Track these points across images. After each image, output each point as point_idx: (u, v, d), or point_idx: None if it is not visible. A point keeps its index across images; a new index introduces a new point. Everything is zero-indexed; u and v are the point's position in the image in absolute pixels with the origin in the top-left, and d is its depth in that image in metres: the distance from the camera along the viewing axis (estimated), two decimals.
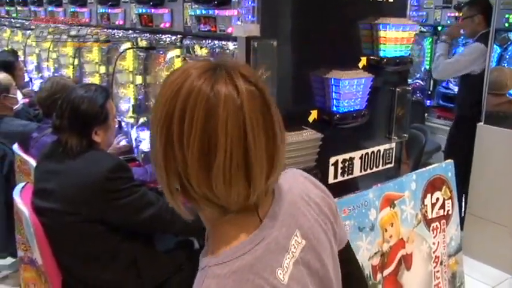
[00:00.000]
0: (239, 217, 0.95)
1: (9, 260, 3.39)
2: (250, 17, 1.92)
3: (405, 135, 2.59)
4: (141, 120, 3.47)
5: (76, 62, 4.46)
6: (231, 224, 0.96)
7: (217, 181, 0.87)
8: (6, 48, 5.78)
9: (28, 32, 5.53)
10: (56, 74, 4.63)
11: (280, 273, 0.94)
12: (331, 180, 2.35)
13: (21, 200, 2.16)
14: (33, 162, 2.61)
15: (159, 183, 0.96)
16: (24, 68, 5.56)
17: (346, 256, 1.18)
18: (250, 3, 1.91)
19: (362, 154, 2.45)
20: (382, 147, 2.53)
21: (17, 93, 3.58)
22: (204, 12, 2.45)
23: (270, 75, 2.02)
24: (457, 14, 4.59)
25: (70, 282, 2.15)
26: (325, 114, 2.23)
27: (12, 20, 6.50)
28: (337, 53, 2.25)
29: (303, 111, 2.21)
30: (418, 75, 5.06)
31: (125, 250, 2.13)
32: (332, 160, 2.34)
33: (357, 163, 2.43)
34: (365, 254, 1.98)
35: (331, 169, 2.35)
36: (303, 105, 2.21)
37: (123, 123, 3.55)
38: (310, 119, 2.22)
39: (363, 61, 2.33)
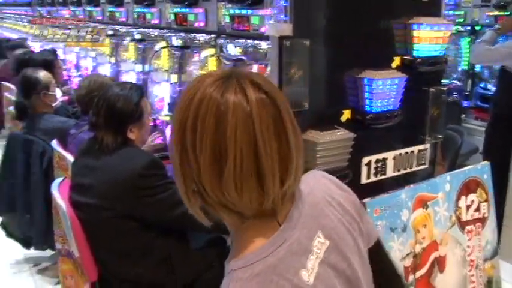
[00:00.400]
0: (258, 222, 0.97)
1: (48, 252, 3.50)
2: (282, 16, 1.93)
3: (440, 136, 2.55)
4: None
5: (113, 60, 4.55)
6: (251, 229, 0.98)
7: (228, 187, 0.90)
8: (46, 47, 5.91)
9: (67, 31, 5.65)
10: (93, 72, 4.73)
11: (305, 274, 0.95)
12: (363, 180, 2.34)
13: (59, 195, 2.22)
14: (70, 158, 2.68)
15: (178, 188, 0.99)
16: (64, 67, 5.71)
17: (377, 253, 1.17)
18: (282, 2, 1.91)
19: (395, 155, 2.43)
20: (416, 148, 2.50)
21: (56, 90, 3.67)
22: (237, 11, 2.47)
23: (302, 75, 2.02)
24: (496, 13, 4.48)
25: (105, 276, 2.20)
26: (358, 114, 2.22)
27: (66, 21, 6.64)
28: (371, 52, 2.23)
29: (336, 110, 2.20)
30: (455, 76, 4.97)
31: (159, 247, 2.17)
32: (365, 160, 2.32)
33: (390, 164, 2.41)
34: (397, 254, 1.97)
35: (364, 169, 2.34)
36: (335, 104, 2.20)
37: (158, 122, 3.61)
38: (343, 118, 2.21)
39: (397, 61, 2.31)
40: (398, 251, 1.97)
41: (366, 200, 1.90)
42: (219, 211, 0.96)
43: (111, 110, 2.17)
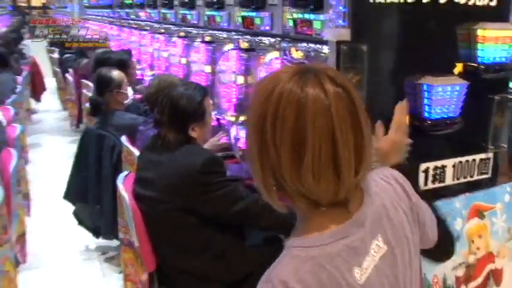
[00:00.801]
0: (330, 211, 1.00)
1: (115, 242, 3.65)
2: (341, 21, 1.95)
3: (504, 145, 2.48)
4: (241, 118, 3.60)
5: (184, 61, 4.71)
6: (322, 215, 1.00)
7: (307, 176, 0.93)
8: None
9: (143, 32, 5.88)
10: (165, 72, 4.90)
11: (358, 273, 0.98)
12: (421, 186, 2.32)
13: (123, 187, 2.35)
14: (137, 153, 2.82)
15: (255, 180, 1.03)
16: (138, 66, 5.95)
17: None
18: (341, 8, 1.94)
19: (455, 162, 2.39)
20: (477, 157, 2.44)
21: (128, 89, 3.85)
22: (300, 15, 2.51)
23: (360, 80, 2.04)
24: None
25: (163, 268, 2.30)
26: (417, 120, 2.20)
27: (130, 21, 6.95)
28: (432, 58, 2.21)
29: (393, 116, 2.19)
30: None
31: (216, 242, 2.24)
32: (423, 167, 2.30)
33: (449, 171, 2.38)
34: (448, 263, 1.94)
35: (422, 176, 2.32)
36: (393, 110, 2.20)
37: (224, 121, 3.70)
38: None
39: (459, 67, 2.27)
40: (450, 260, 1.94)
41: None
42: (296, 200, 0.99)
43: (175, 108, 2.27)
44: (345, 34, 1.97)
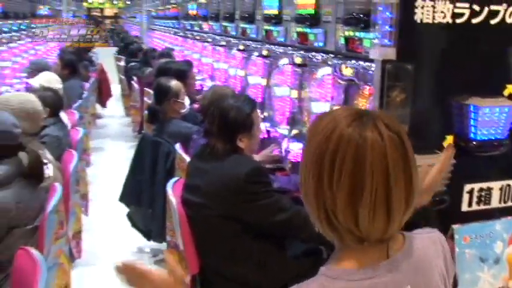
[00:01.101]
0: (371, 248, 1.05)
1: (165, 246, 3.78)
2: (387, 41, 2.00)
3: None
4: (293, 132, 3.67)
5: (242, 73, 4.83)
6: (361, 251, 1.05)
7: (363, 217, 0.99)
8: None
9: (205, 43, 6.02)
10: (222, 84, 5.04)
11: None
12: (464, 207, 2.30)
13: (172, 192, 2.47)
14: (188, 159, 2.94)
15: (308, 211, 1.09)
16: (199, 77, 6.13)
17: None
18: (387, 28, 1.98)
19: (503, 185, 2.36)
20: None
21: (185, 99, 4.00)
22: (351, 33, 2.57)
23: (404, 98, 2.07)
24: None
25: (206, 272, 2.39)
26: (462, 141, 2.20)
27: (194, 32, 7.13)
28: (480, 79, 2.21)
29: (438, 135, 2.20)
30: None
31: (258, 251, 2.31)
32: (467, 188, 2.29)
33: (495, 194, 2.35)
34: (485, 286, 1.93)
35: (466, 197, 2.30)
36: (438, 129, 2.21)
37: (276, 134, 3.77)
38: (445, 144, 2.21)
39: (509, 89, 2.26)
40: (487, 283, 1.93)
41: (455, 226, 1.90)
42: (344, 235, 1.04)
43: (224, 119, 2.36)
44: (391, 53, 2.01)
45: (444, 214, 2.14)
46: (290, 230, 2.30)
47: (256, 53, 4.38)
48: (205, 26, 7.02)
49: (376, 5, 2.04)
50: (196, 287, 2.41)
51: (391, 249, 1.06)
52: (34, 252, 1.83)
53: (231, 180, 2.22)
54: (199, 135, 3.26)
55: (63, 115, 3.99)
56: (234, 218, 2.25)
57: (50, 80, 4.38)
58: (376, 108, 2.10)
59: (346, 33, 2.63)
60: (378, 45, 2.05)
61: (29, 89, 4.39)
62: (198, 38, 7.13)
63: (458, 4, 2.11)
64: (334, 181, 1.00)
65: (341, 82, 2.90)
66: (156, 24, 13.61)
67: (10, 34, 6.74)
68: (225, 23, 5.41)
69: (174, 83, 3.85)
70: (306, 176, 1.06)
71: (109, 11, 25.16)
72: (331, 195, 1.01)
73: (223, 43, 5.62)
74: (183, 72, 4.52)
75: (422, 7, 2.04)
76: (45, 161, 2.70)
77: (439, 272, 1.14)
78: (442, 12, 2.09)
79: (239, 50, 4.90)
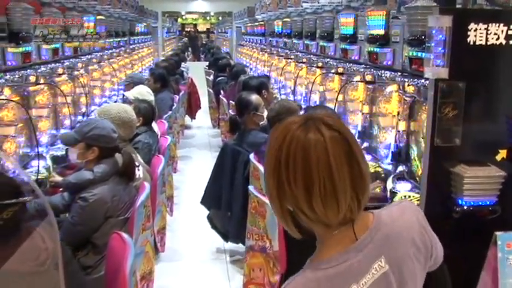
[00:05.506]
0: (339, 234, 1.23)
1: (241, 247, 4.05)
2: (439, 61, 2.18)
3: None
4: (364, 144, 3.86)
5: (322, 89, 5.07)
6: (332, 239, 1.23)
7: (317, 205, 1.17)
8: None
9: (300, 64, 6.24)
10: (288, 99, 5.27)
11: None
12: None
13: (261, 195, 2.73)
14: (263, 170, 3.20)
15: (274, 212, 1.28)
16: (282, 91, 6.41)
17: (440, 273, 1.40)
18: (440, 49, 2.17)
19: None
20: None
21: (264, 112, 4.28)
22: (414, 54, 2.75)
23: (457, 114, 2.24)
24: None
25: (293, 272, 2.64)
26: None
27: (288, 51, 7.37)
28: None
29: (490, 149, 2.34)
30: None
31: None
32: None
33: None
34: None
35: None
36: (490, 143, 2.35)
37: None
38: (498, 157, 2.35)
39: None
40: None
41: (498, 232, 2.04)
42: (313, 225, 1.24)
43: None
44: (443, 72, 2.19)
45: (495, 223, 2.28)
46: None
47: (333, 70, 4.62)
48: (288, 43, 7.33)
49: (431, 28, 2.22)
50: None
51: (360, 231, 1.23)
52: (125, 236, 2.18)
53: None
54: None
55: (154, 124, 4.40)
56: None
57: (143, 92, 4.76)
58: (430, 124, 2.29)
59: (410, 53, 2.82)
60: (431, 65, 2.24)
61: (125, 100, 4.84)
62: (282, 54, 7.45)
63: None
64: (291, 180, 1.15)
65: (406, 99, 3.09)
66: (245, 40, 14.14)
67: (111, 51, 7.35)
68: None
69: (255, 97, 4.15)
70: (268, 182, 1.22)
71: (202, 27, 26.14)
72: (291, 194, 1.17)
73: (305, 60, 5.89)
74: (262, 85, 4.83)
75: (475, 30, 2.21)
76: (136, 163, 3.07)
77: (412, 240, 1.28)
78: (495, 34, 2.24)
79: (318, 67, 5.16)
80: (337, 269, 1.20)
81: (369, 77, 3.58)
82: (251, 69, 9.78)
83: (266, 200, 2.70)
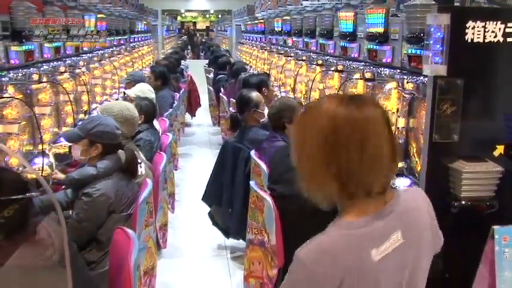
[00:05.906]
0: (371, 200, 1.30)
1: (242, 243, 4.08)
2: (438, 59, 2.22)
3: None
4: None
5: (321, 86, 5.09)
6: (363, 203, 1.30)
7: (366, 168, 1.26)
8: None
9: (300, 62, 6.27)
10: (286, 96, 5.32)
11: (375, 253, 1.27)
12: None
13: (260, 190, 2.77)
14: (263, 166, 3.25)
15: (312, 188, 1.31)
16: (283, 89, 6.44)
17: None
18: (438, 47, 2.20)
19: None
20: None
21: (265, 109, 4.31)
22: (413, 51, 2.79)
23: (455, 110, 2.28)
24: None
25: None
26: None
27: (288, 49, 7.40)
28: None
29: (488, 145, 2.38)
30: None
31: None
32: None
33: None
34: None
35: None
36: (488, 139, 2.39)
37: None
38: (496, 153, 2.38)
39: None
40: None
41: (495, 226, 2.08)
42: (356, 191, 1.28)
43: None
44: (442, 70, 2.23)
45: (493, 217, 2.32)
46: None
47: (333, 68, 4.65)
48: (289, 41, 7.35)
49: (429, 26, 2.26)
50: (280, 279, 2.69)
51: (382, 203, 1.32)
52: (129, 230, 2.21)
53: None
54: (269, 144, 3.50)
55: (155, 122, 4.43)
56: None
57: (144, 90, 4.77)
58: (428, 120, 2.33)
59: (409, 50, 2.85)
60: (430, 62, 2.27)
61: (126, 98, 4.86)
62: (281, 52, 7.48)
63: (510, 24, 2.30)
64: (348, 146, 1.24)
65: (405, 95, 3.12)
66: (244, 38, 14.17)
67: (111, 49, 7.38)
68: (306, 39, 5.62)
69: (255, 95, 4.18)
70: (308, 161, 1.29)
71: (201, 25, 26.16)
72: (346, 158, 1.24)
73: (304, 58, 5.92)
74: (262, 83, 4.86)
75: (473, 28, 2.25)
76: (138, 160, 3.11)
77: (425, 217, 1.39)
78: (493, 31, 2.28)
79: (318, 64, 5.19)
80: (360, 232, 1.28)
81: (368, 75, 3.62)
82: (251, 66, 9.81)
83: (265, 195, 2.75)
